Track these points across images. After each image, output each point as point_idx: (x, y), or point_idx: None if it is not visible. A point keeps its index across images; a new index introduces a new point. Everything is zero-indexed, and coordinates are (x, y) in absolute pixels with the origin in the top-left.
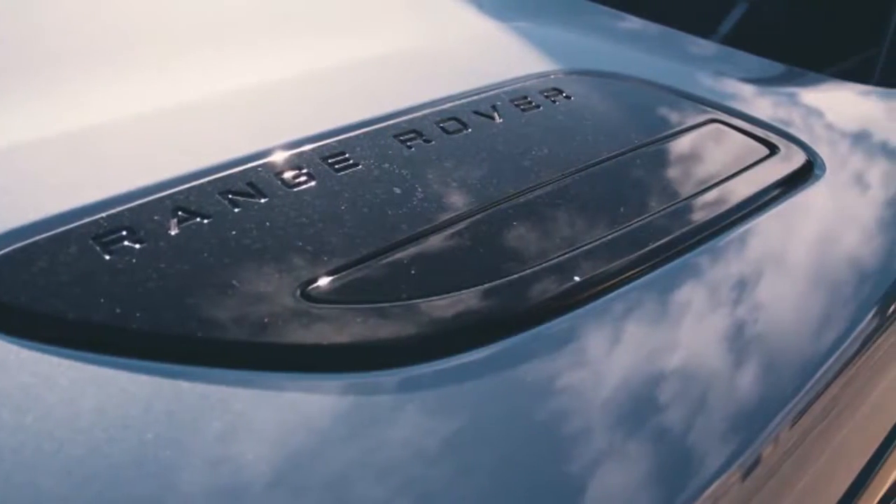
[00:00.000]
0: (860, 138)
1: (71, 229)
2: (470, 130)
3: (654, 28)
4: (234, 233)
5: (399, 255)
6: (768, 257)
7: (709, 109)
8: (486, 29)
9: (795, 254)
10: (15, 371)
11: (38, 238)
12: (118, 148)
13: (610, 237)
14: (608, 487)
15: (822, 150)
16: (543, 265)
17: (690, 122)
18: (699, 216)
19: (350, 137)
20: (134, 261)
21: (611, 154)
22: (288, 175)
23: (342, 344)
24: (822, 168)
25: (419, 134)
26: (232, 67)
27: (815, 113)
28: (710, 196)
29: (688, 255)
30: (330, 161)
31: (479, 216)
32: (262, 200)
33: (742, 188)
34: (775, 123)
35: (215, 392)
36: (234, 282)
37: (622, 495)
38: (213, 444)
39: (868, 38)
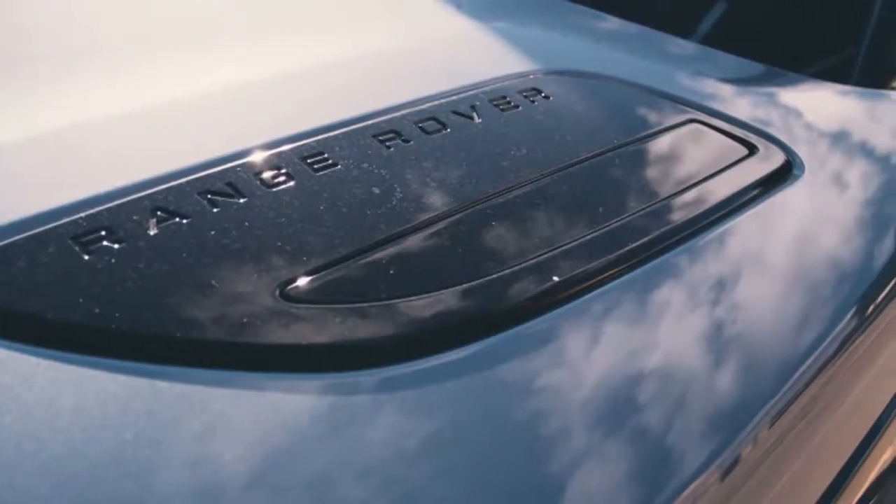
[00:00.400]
0: (839, 138)
1: (50, 229)
2: (449, 130)
3: (632, 28)
4: (213, 233)
5: (378, 255)
6: (747, 257)
7: (688, 109)
8: (465, 29)
9: (774, 254)
10: None
11: (16, 238)
12: (97, 148)
13: (589, 237)
14: (587, 487)
15: (801, 150)
16: (522, 265)
17: (669, 122)
18: (678, 216)
19: (329, 137)
20: (113, 261)
21: (590, 154)
22: (267, 175)
23: (321, 344)
24: (801, 168)
25: (398, 134)
26: (211, 67)
27: (793, 113)
28: (689, 196)
29: (667, 255)
30: (309, 161)
31: (458, 216)
32: (241, 200)
33: (721, 188)
34: (754, 123)
35: (194, 392)
36: (213, 282)
37: (602, 495)
38: (193, 444)
39: (847, 38)
